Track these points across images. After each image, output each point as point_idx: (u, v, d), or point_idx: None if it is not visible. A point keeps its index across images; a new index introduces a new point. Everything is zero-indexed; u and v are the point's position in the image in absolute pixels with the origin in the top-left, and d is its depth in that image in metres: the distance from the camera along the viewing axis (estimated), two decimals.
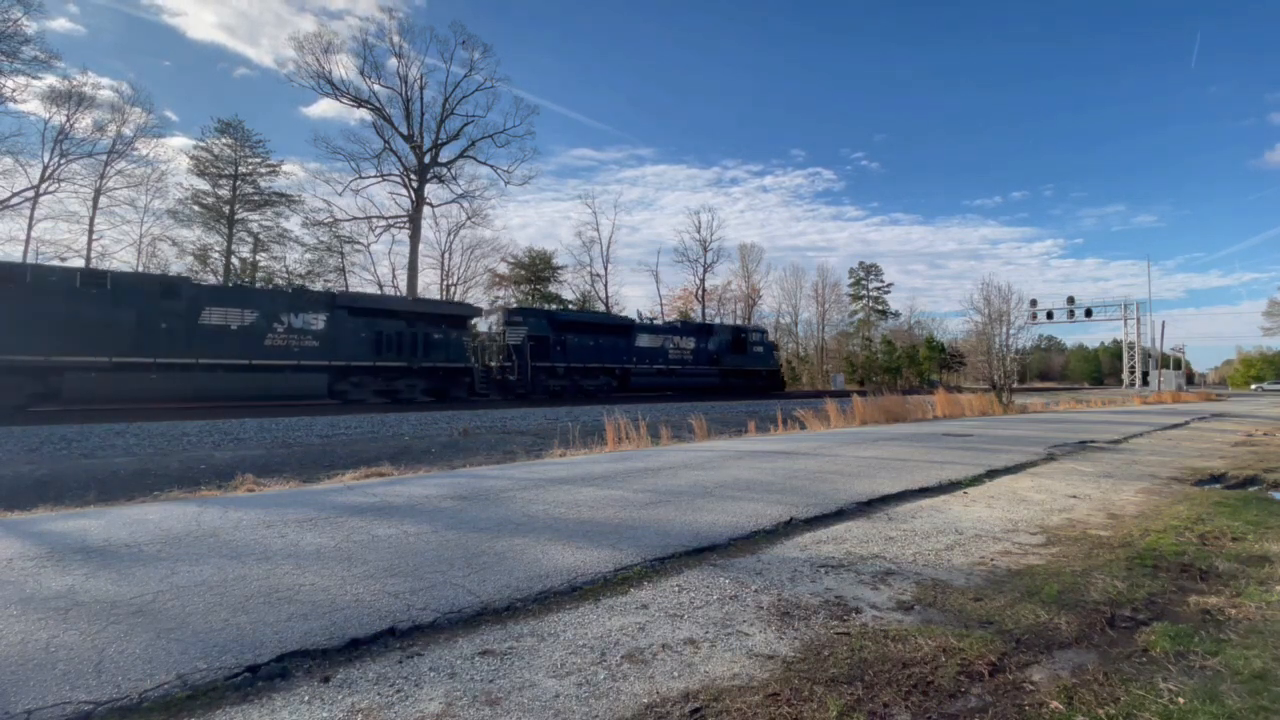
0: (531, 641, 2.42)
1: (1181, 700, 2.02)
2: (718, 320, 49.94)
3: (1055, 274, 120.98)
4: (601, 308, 49.71)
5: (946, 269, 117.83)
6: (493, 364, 22.89)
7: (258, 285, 21.90)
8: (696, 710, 1.92)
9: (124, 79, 39.03)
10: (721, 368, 29.45)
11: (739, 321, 48.85)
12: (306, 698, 1.99)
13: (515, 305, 32.23)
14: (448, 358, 20.49)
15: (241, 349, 16.61)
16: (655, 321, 30.85)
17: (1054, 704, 2.00)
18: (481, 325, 24.00)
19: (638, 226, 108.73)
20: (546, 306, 40.50)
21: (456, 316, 21.74)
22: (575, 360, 24.41)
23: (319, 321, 18.04)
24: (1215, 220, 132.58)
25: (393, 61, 40.11)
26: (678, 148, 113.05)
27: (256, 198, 40.10)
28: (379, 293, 38.05)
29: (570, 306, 47.83)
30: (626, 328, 27.15)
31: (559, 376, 24.00)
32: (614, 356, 25.76)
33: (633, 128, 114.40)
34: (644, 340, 27.03)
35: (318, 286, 37.09)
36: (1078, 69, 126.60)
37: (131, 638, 2.34)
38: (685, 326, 30.33)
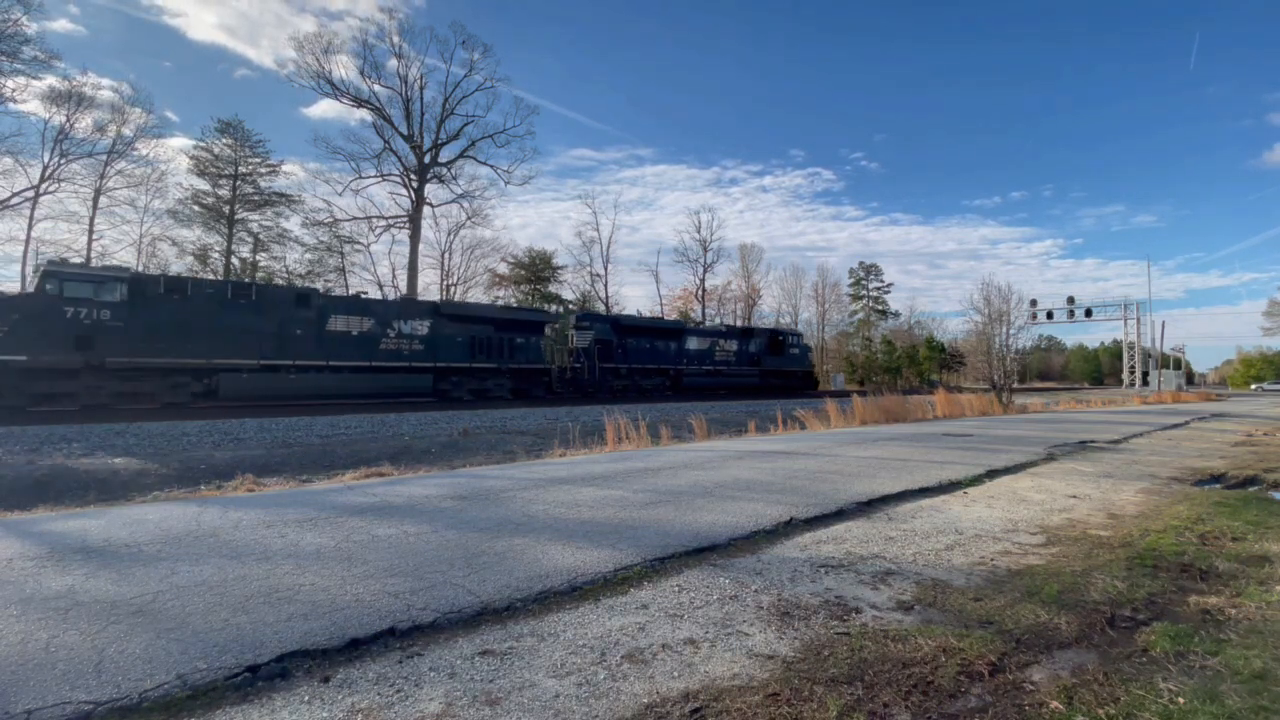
0: (531, 641, 2.42)
1: (1181, 700, 2.02)
2: (714, 319, 50.14)
3: (1055, 274, 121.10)
4: (601, 308, 49.71)
5: (946, 269, 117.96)
6: (563, 365, 25.25)
7: (374, 297, 24.27)
8: (696, 710, 1.92)
9: (124, 80, 39.14)
10: (762, 368, 31.47)
11: (775, 325, 50.13)
12: (306, 698, 1.99)
13: (584, 311, 34.51)
14: (528, 360, 22.77)
15: (361, 353, 18.78)
16: (702, 325, 32.83)
17: (1054, 704, 2.00)
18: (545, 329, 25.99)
19: (637, 226, 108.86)
20: (610, 312, 42.65)
21: (535, 322, 24.18)
22: (635, 362, 26.61)
23: (424, 328, 20.13)
24: (1215, 220, 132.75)
25: (393, 62, 40.14)
26: (677, 148, 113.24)
27: (256, 198, 40.11)
28: (475, 301, 40.68)
29: (571, 307, 47.99)
30: (679, 331, 29.34)
31: (622, 377, 26.14)
32: (667, 358, 28.00)
33: (632, 128, 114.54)
34: (693, 343, 29.09)
35: (317, 286, 37.24)
36: (1076, 69, 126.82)
37: (131, 638, 2.34)
38: (730, 330, 32.17)
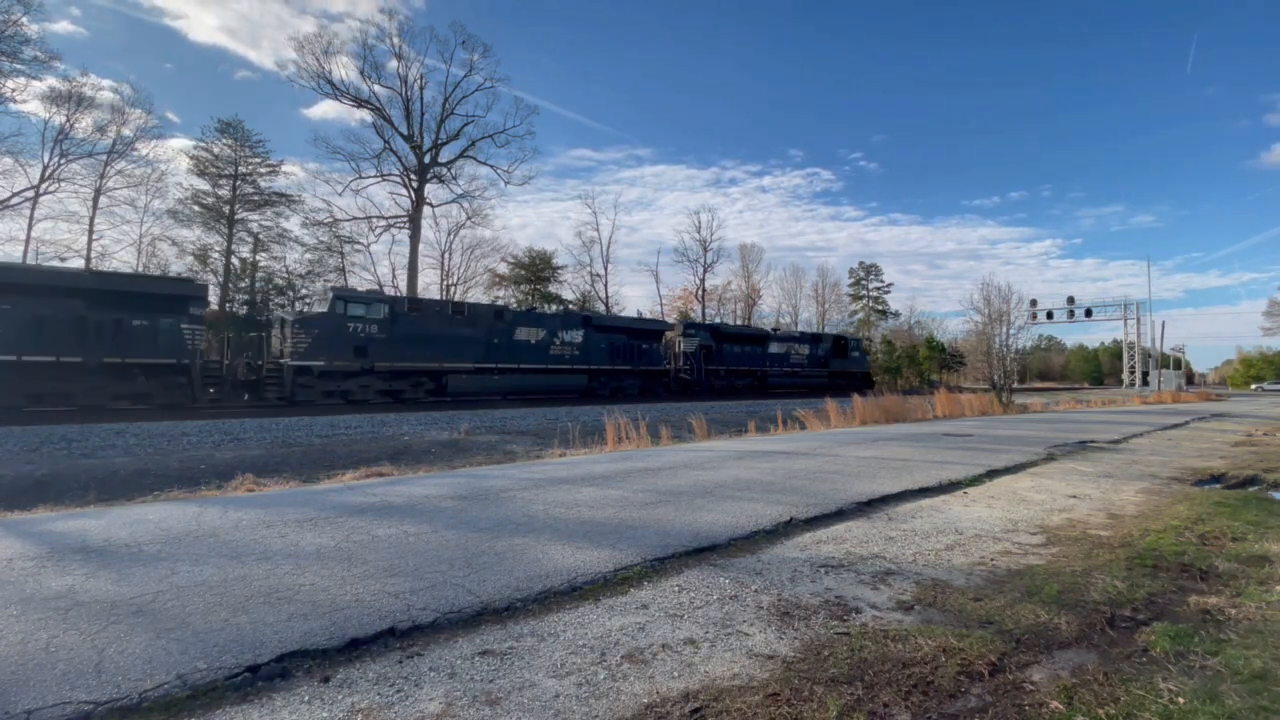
0: (531, 641, 2.42)
1: (1181, 700, 2.02)
2: (713, 319, 50.29)
3: (1054, 274, 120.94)
4: (601, 308, 49.75)
5: (945, 269, 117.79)
6: (676, 367, 29.37)
7: (545, 310, 29.53)
8: (696, 710, 1.92)
9: (125, 81, 39.01)
10: (829, 369, 36.42)
11: (841, 330, 55.06)
12: (306, 698, 1.99)
13: (690, 320, 40.50)
14: (652, 363, 27.23)
15: (538, 357, 23.13)
16: (779, 332, 37.90)
17: (1054, 704, 2.00)
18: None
19: (637, 227, 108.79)
20: (714, 320, 47.60)
21: (656, 331, 28.90)
22: (731, 364, 30.97)
23: (579, 336, 24.50)
24: (1214, 220, 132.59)
25: (393, 63, 40.14)
26: (676, 148, 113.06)
27: (256, 198, 40.07)
28: (616, 313, 45.81)
29: (571, 307, 48.22)
30: (764, 338, 34.04)
31: (720, 377, 30.27)
32: (755, 361, 32.43)
33: (631, 128, 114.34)
34: (774, 348, 33.63)
35: (317, 287, 37.43)
36: (1073, 70, 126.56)
37: (131, 638, 2.34)
38: (802, 336, 37.28)
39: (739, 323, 51.24)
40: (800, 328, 57.34)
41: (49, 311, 14.58)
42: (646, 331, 27.83)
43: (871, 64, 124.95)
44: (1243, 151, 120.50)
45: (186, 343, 16.42)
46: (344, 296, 19.16)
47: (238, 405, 17.47)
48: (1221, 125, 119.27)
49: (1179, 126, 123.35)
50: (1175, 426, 14.35)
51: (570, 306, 48.17)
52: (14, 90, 30.48)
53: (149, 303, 16.06)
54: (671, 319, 44.24)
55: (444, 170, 42.43)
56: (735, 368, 31.00)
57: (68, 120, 33.22)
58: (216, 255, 38.76)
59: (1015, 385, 29.23)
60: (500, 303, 33.03)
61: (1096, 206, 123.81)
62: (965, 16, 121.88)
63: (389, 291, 42.35)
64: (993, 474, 6.77)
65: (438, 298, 29.11)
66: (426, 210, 42.59)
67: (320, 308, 19.22)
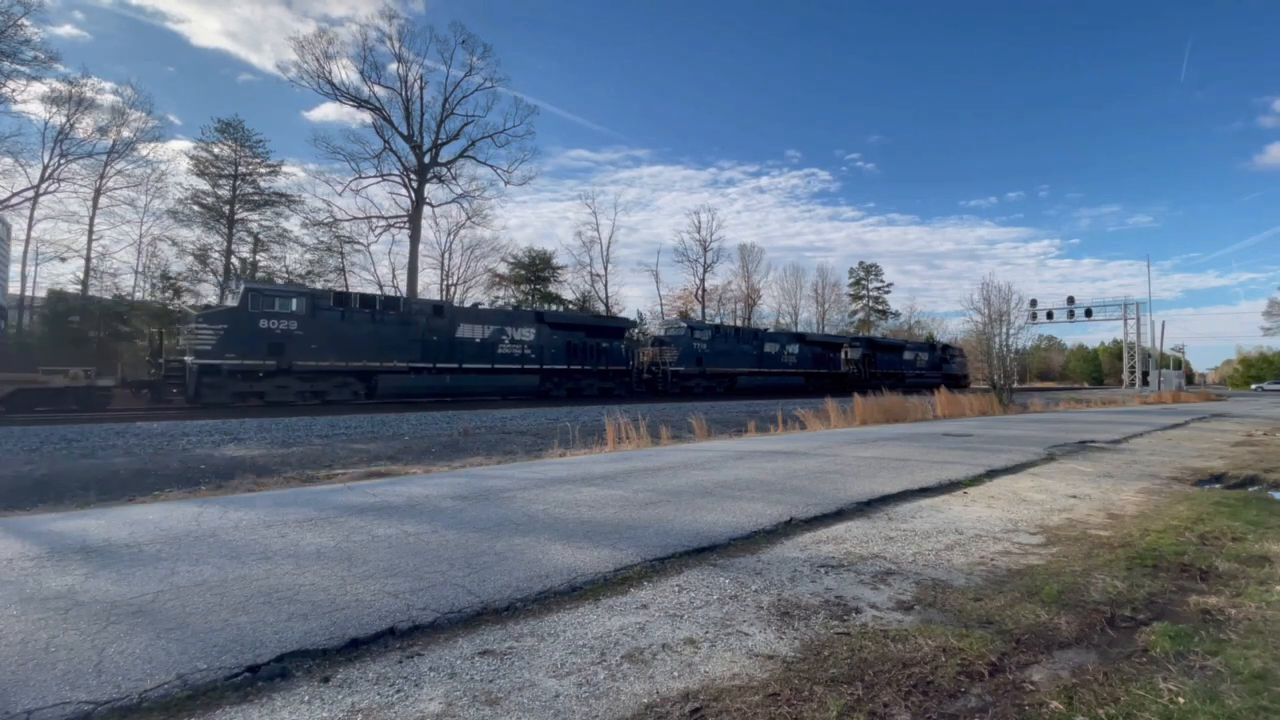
0: (531, 641, 2.42)
1: (1181, 700, 2.02)
2: (714, 319, 50.63)
3: (1053, 274, 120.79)
4: (601, 308, 49.75)
5: (944, 269, 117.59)
6: (847, 370, 32.72)
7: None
8: (696, 710, 1.92)
9: (127, 83, 39.02)
10: (941, 372, 43.24)
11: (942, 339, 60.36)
12: (306, 698, 1.99)
13: (853, 335, 46.56)
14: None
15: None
16: (909, 341, 46.02)
17: (1054, 704, 2.00)
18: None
19: (635, 227, 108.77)
20: (864, 334, 52.53)
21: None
22: (883, 368, 37.21)
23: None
24: (1211, 221, 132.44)
25: (393, 65, 40.13)
26: (674, 149, 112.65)
27: (256, 198, 40.04)
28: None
29: (571, 307, 48.39)
30: (900, 347, 42.83)
31: (877, 378, 34.14)
32: (896, 365, 39.77)
33: (629, 129, 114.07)
34: (908, 354, 42.09)
35: (318, 285, 37.52)
36: (1070, 71, 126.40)
37: (131, 638, 2.34)
38: (923, 344, 45.78)
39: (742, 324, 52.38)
40: (800, 328, 57.47)
41: (574, 340, 24.03)
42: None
43: (867, 65, 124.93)
44: (1238, 153, 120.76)
45: (624, 356, 25.55)
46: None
47: (481, 397, 20.76)
48: (1216, 127, 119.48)
49: (1174, 128, 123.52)
50: (1175, 426, 14.35)
51: (570, 305, 48.28)
52: (14, 91, 30.48)
53: (606, 334, 25.17)
54: (672, 318, 44.61)
55: (444, 170, 42.41)
56: (885, 371, 37.51)
57: (68, 121, 33.21)
58: (216, 255, 38.74)
59: (1015, 385, 29.34)
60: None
61: (1094, 207, 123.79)
62: (961, 18, 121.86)
63: (389, 292, 42.40)
64: (993, 474, 6.77)
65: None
66: (426, 210, 42.56)
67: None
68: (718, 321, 43.52)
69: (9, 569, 3.18)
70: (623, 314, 45.61)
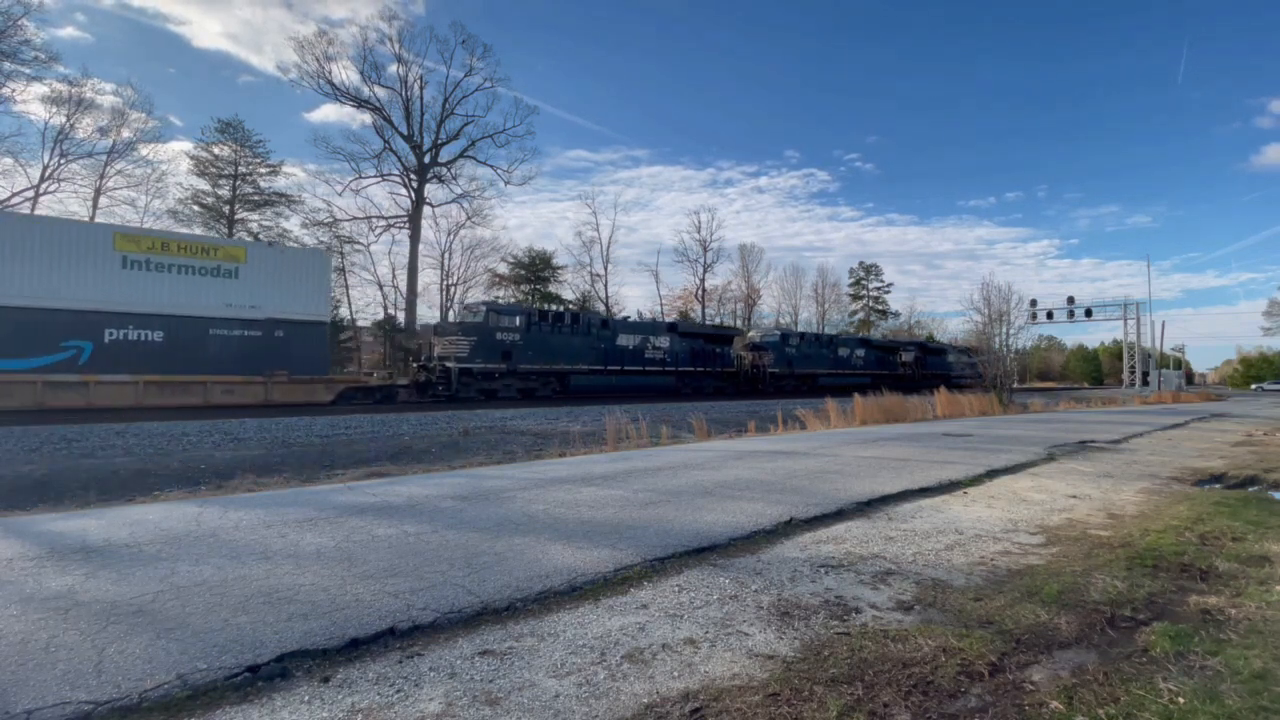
0: (531, 641, 2.42)
1: (1181, 700, 2.02)
2: (714, 319, 50.69)
3: (1052, 274, 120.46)
4: (601, 308, 49.81)
5: (943, 269, 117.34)
6: (904, 374, 34.80)
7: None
8: (696, 710, 1.92)
9: (128, 84, 38.93)
10: (979, 373, 48.86)
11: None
12: (306, 698, 1.99)
13: (915, 339, 48.07)
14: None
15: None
16: (949, 346, 46.54)
17: (1054, 704, 2.00)
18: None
19: (635, 227, 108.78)
20: (903, 338, 55.07)
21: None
22: (931, 370, 38.03)
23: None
24: (1210, 221, 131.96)
25: (394, 66, 40.14)
26: (673, 149, 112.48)
27: (256, 198, 40.10)
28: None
29: (571, 306, 48.62)
30: (943, 350, 44.07)
31: (927, 379, 35.13)
32: (941, 367, 39.89)
33: (628, 129, 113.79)
34: (950, 357, 42.25)
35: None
36: (1067, 71, 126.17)
37: (131, 638, 2.34)
38: (963, 349, 46.06)
39: (740, 324, 52.76)
40: (800, 328, 57.64)
41: (696, 346, 28.87)
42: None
43: (865, 65, 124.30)
44: (1235, 154, 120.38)
45: (732, 360, 30.31)
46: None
47: (635, 392, 24.99)
48: (1213, 128, 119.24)
49: (1172, 129, 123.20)
50: (1175, 426, 14.35)
51: (570, 305, 48.45)
52: (14, 91, 30.50)
53: (720, 341, 30.87)
54: (767, 327, 48.90)
55: (444, 170, 42.51)
56: (932, 372, 39.45)
57: (68, 121, 33.25)
58: None
59: (1015, 385, 29.46)
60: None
61: (1092, 207, 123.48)
62: (957, 19, 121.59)
63: (388, 291, 42.50)
64: (993, 474, 6.77)
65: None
66: (426, 210, 42.64)
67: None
68: (801, 330, 47.08)
69: (9, 569, 3.18)
70: (622, 314, 46.09)
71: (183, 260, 17.25)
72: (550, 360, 23.28)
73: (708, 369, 29.19)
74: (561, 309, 33.19)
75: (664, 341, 27.70)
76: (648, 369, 26.81)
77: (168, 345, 16.67)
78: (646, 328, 28.20)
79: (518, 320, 22.90)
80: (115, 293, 16.04)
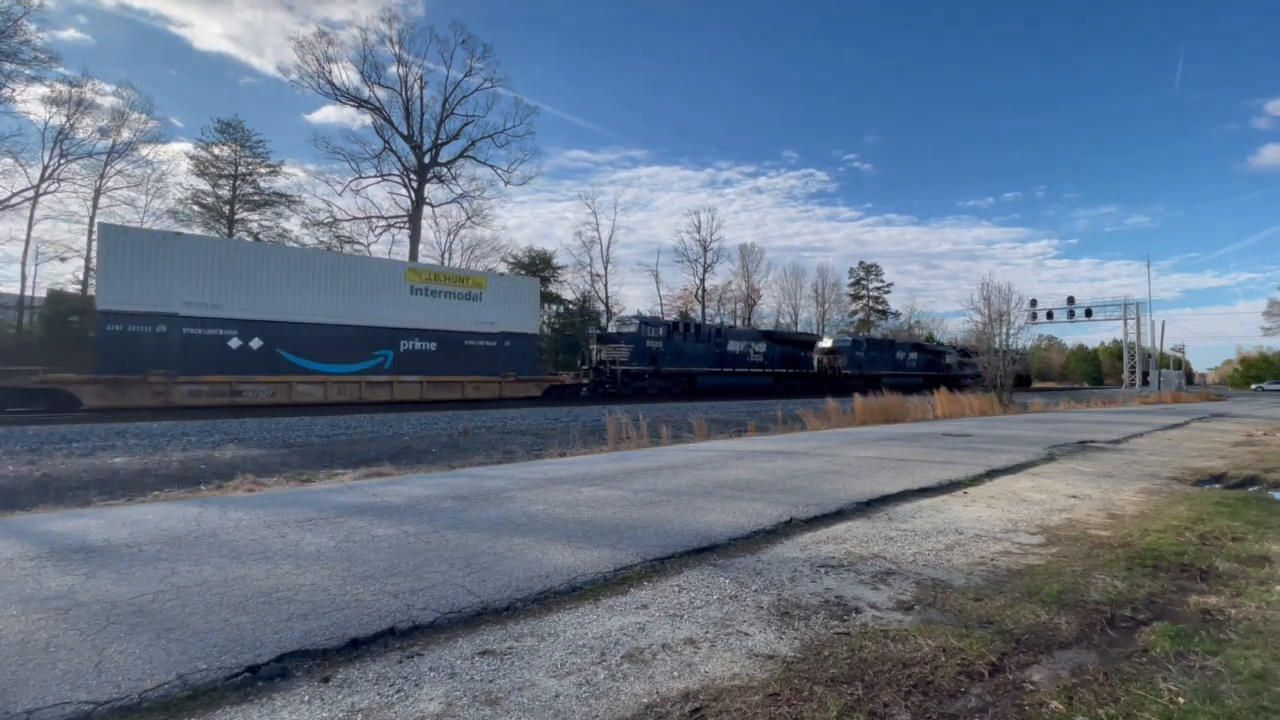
0: (531, 641, 2.42)
1: (1181, 700, 2.02)
2: (714, 319, 50.78)
3: (1051, 274, 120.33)
4: (601, 308, 49.81)
5: (942, 269, 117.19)
6: (957, 376, 38.15)
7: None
8: (696, 710, 1.92)
9: (128, 85, 39.01)
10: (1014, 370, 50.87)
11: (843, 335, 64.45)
12: (306, 698, 1.99)
13: (965, 345, 49.98)
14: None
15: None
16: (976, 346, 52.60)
17: (1054, 704, 2.00)
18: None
19: (633, 227, 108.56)
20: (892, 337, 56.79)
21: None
22: (967, 371, 41.81)
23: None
24: (1208, 221, 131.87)
25: (393, 68, 40.13)
26: (671, 150, 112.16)
27: (256, 198, 40.06)
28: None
29: (571, 306, 48.67)
30: (970, 350, 45.25)
31: (968, 381, 38.72)
32: (974, 368, 42.58)
33: (626, 130, 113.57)
34: (984, 359, 48.28)
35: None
36: (1065, 72, 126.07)
37: (131, 638, 2.34)
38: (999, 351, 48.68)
39: (735, 324, 53.80)
40: (800, 328, 57.81)
41: (785, 350, 34.47)
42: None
43: (864, 65, 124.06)
44: (1233, 155, 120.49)
45: (812, 362, 35.83)
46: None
47: (744, 391, 29.75)
48: (1210, 129, 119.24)
49: (1169, 129, 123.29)
50: (1175, 426, 14.35)
51: (571, 305, 48.49)
52: (14, 92, 30.49)
53: (804, 346, 36.19)
54: (840, 334, 51.27)
55: (444, 170, 42.47)
56: (975, 372, 41.15)
57: (68, 121, 33.23)
58: None
59: (1030, 385, 29.68)
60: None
61: (1091, 207, 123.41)
62: (956, 20, 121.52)
63: None
64: (993, 474, 6.77)
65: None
66: (426, 210, 42.61)
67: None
68: (868, 337, 48.90)
69: (9, 569, 3.18)
70: (623, 314, 46.46)
71: (447, 288, 22.39)
72: (683, 364, 28.37)
73: (794, 370, 34.21)
74: (689, 321, 37.17)
75: (761, 347, 32.77)
76: (751, 370, 31.62)
77: (439, 353, 21.76)
78: (748, 335, 33.44)
79: (661, 331, 28.21)
80: (406, 314, 21.11)
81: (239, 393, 17.69)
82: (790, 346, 35.13)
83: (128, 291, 16.41)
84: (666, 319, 36.01)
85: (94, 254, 34.07)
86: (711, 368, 29.63)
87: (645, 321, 28.43)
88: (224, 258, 18.21)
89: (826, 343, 39.78)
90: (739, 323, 54.85)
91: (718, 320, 54.76)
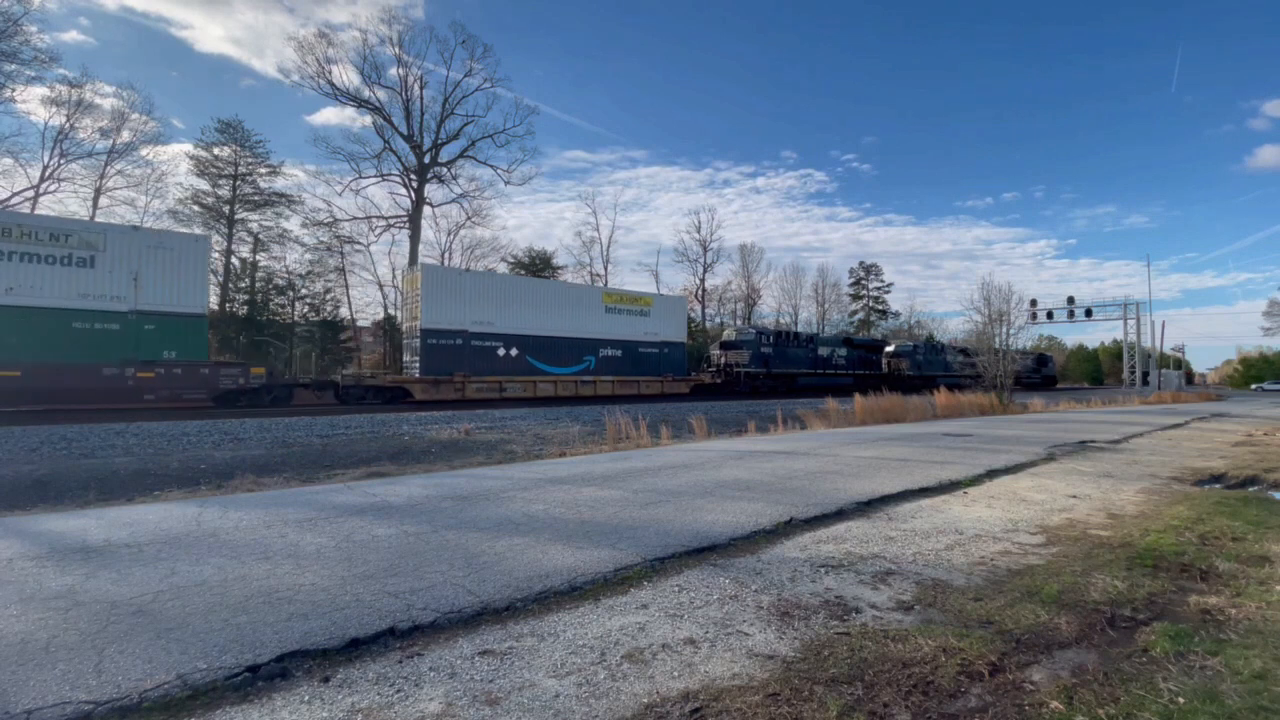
0: (531, 641, 2.42)
1: (1181, 700, 2.02)
2: (714, 319, 51.05)
3: (1050, 274, 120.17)
4: None
5: (941, 269, 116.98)
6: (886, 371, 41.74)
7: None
8: (696, 710, 1.92)
9: (129, 85, 38.99)
10: (1041, 374, 54.00)
11: (1038, 351, 67.21)
12: (306, 698, 1.99)
13: (1028, 350, 53.30)
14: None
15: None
16: (1018, 353, 53.78)
17: (1054, 704, 2.00)
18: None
19: (633, 228, 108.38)
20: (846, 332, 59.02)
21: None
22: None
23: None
24: (1207, 222, 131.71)
25: (393, 69, 40.14)
26: (670, 150, 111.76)
27: (256, 198, 40.02)
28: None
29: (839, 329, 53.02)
30: (1016, 355, 49.96)
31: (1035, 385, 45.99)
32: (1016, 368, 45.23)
33: (625, 130, 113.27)
34: (1029, 362, 48.61)
35: (317, 288, 38.86)
36: (1064, 72, 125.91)
37: (131, 638, 2.34)
38: (1029, 354, 52.14)
39: (741, 323, 54.52)
40: (800, 328, 57.92)
41: (861, 354, 38.86)
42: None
43: (862, 66, 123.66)
44: (1230, 155, 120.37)
45: (881, 365, 39.70)
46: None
47: (829, 389, 31.43)
48: (1207, 129, 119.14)
49: (1166, 130, 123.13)
50: (1175, 426, 14.35)
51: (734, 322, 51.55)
52: (15, 93, 30.51)
53: (874, 350, 40.61)
54: (903, 339, 55.08)
55: (444, 170, 42.46)
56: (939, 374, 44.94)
57: (68, 121, 33.24)
58: (216, 255, 38.72)
59: (1014, 385, 29.74)
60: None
61: (1090, 207, 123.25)
62: (954, 20, 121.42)
63: (388, 291, 42.72)
64: (993, 474, 6.77)
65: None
66: (426, 210, 42.59)
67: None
68: (927, 342, 52.33)
69: (9, 569, 3.18)
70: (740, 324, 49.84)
71: (627, 306, 28.96)
72: (786, 366, 32.58)
73: (868, 371, 38.34)
74: (792, 330, 42.41)
75: (843, 351, 37.19)
76: (837, 372, 35.99)
77: (623, 358, 28.07)
78: (833, 341, 38.02)
79: (771, 339, 32.94)
80: (602, 327, 27.42)
81: (504, 390, 23.45)
82: (865, 351, 39.77)
83: (439, 314, 22.34)
84: (773, 329, 41.06)
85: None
86: (808, 369, 34.21)
87: (760, 331, 33.85)
88: (492, 286, 24.66)
89: (891, 347, 44.34)
90: (739, 322, 55.03)
91: (718, 319, 55.05)
